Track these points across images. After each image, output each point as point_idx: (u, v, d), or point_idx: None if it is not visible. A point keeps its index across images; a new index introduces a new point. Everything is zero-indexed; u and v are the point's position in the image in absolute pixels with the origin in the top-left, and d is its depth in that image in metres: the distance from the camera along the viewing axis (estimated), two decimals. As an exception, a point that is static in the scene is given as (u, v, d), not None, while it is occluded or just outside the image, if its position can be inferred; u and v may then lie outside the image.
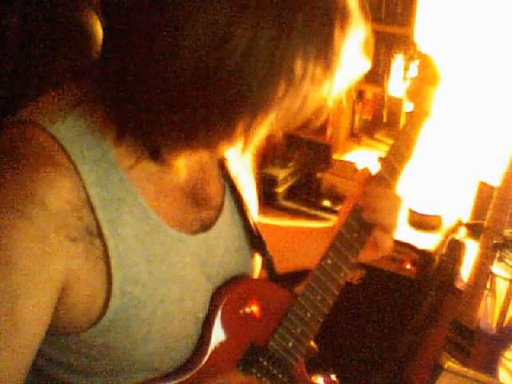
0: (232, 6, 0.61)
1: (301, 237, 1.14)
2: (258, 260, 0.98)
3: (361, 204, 0.97)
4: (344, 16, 0.66)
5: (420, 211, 2.38)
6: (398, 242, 2.25)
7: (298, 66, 0.64)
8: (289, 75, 0.64)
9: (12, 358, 0.70)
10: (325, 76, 0.67)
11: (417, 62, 1.05)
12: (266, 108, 0.66)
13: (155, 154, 0.74)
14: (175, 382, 0.84)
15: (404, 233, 2.31)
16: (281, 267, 1.04)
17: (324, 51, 0.65)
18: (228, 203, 0.92)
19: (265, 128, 0.71)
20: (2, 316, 0.68)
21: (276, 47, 0.62)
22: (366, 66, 0.74)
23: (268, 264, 0.97)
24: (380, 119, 2.88)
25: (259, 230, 0.97)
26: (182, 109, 0.66)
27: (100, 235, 0.73)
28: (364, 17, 0.70)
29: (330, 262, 0.95)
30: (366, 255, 1.01)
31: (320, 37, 0.64)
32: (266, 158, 2.95)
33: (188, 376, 0.84)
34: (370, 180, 1.00)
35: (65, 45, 0.73)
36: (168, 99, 0.65)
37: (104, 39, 0.70)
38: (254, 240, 0.96)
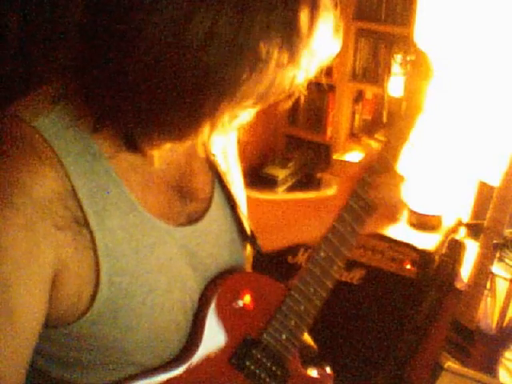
0: None
1: (298, 209, 1.14)
2: (249, 253, 0.99)
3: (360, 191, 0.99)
4: (311, 2, 0.67)
5: (420, 211, 2.38)
6: (398, 242, 2.25)
7: (262, 50, 0.65)
8: (252, 59, 0.65)
9: (9, 347, 0.70)
10: (291, 61, 0.68)
11: (412, 58, 1.06)
12: (231, 92, 0.67)
13: (131, 144, 0.75)
14: (168, 374, 0.84)
15: (404, 233, 2.31)
16: (274, 242, 1.07)
17: (289, 37, 0.66)
18: (217, 197, 0.92)
19: (231, 113, 0.72)
20: None
21: (237, 31, 0.63)
22: (335, 51, 0.74)
23: (259, 257, 0.98)
24: (380, 119, 2.88)
25: (250, 225, 0.97)
26: (148, 94, 0.67)
27: (87, 225, 0.74)
28: (333, 2, 0.70)
29: (322, 254, 0.96)
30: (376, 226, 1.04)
31: (283, 22, 0.65)
32: (266, 157, 2.95)
33: (181, 368, 0.85)
34: (373, 161, 1.02)
35: (64, 45, 0.74)
36: (133, 85, 0.66)
37: (80, 34, 0.71)
38: (245, 234, 0.97)
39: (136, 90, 0.67)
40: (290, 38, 0.66)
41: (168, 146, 0.77)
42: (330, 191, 1.08)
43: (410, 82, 1.06)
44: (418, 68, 1.06)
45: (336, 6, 0.71)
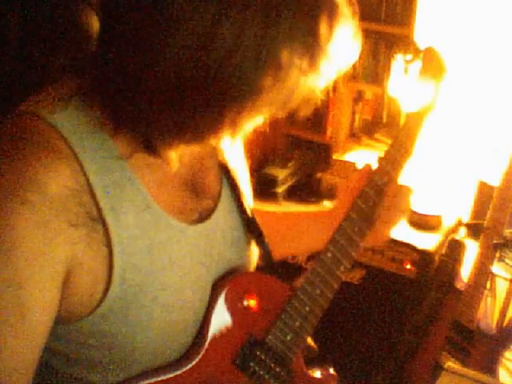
0: (219, 3, 0.63)
1: (300, 222, 1.14)
2: (254, 251, 0.99)
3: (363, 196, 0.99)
4: (330, 10, 0.67)
5: (420, 211, 2.38)
6: (397, 242, 2.25)
7: (284, 60, 0.66)
8: (275, 69, 0.66)
9: (21, 346, 0.70)
10: (311, 69, 0.69)
11: (420, 57, 1.05)
12: (253, 101, 0.68)
13: (148, 147, 0.75)
14: (172, 373, 0.84)
15: (404, 233, 2.31)
16: (280, 253, 1.06)
17: (310, 45, 0.67)
18: (225, 193, 0.93)
19: (252, 119, 0.73)
20: (8, 303, 0.69)
21: (262, 43, 0.64)
22: (353, 58, 0.75)
23: (265, 255, 0.98)
24: (380, 119, 2.89)
25: (257, 221, 0.97)
26: (171, 102, 0.67)
27: (102, 221, 0.74)
28: (351, 11, 0.71)
29: (329, 255, 0.96)
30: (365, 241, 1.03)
31: (305, 31, 0.66)
32: (266, 157, 2.95)
33: (184, 368, 0.85)
34: (371, 174, 1.01)
35: (65, 45, 0.74)
36: (157, 93, 0.67)
37: (100, 37, 0.71)
38: (252, 230, 0.96)
39: (158, 98, 0.67)
40: (311, 45, 0.67)
41: (185, 147, 0.77)
42: (331, 204, 1.08)
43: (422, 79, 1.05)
44: (428, 64, 1.04)
45: (354, 13, 0.71)
